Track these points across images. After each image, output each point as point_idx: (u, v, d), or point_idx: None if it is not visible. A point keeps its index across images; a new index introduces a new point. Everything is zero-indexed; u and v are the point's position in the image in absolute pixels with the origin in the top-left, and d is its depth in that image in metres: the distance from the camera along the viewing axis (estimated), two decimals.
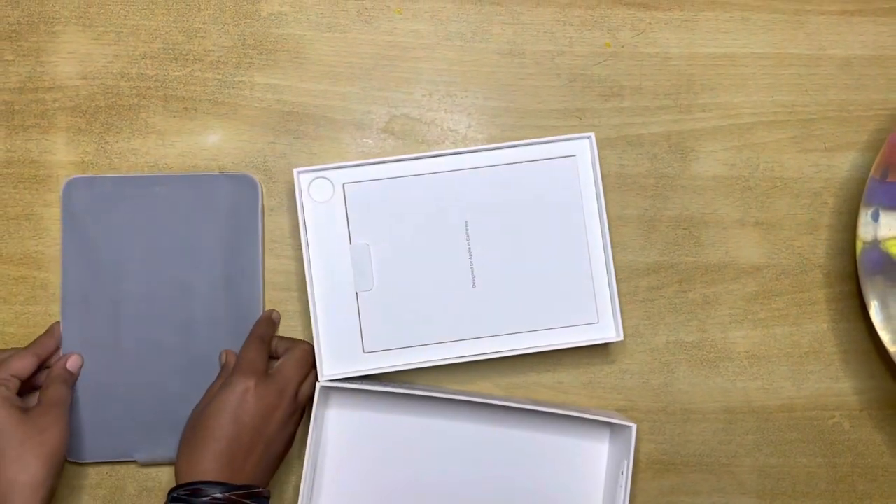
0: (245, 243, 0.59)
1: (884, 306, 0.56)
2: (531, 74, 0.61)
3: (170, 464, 0.58)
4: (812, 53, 0.62)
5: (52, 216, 0.59)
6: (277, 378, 0.53)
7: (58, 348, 0.57)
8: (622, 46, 0.61)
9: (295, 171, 0.55)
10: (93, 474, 0.59)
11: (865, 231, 0.56)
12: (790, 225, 0.61)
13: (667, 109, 0.61)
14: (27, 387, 0.55)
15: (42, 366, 0.56)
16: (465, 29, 0.61)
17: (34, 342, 0.56)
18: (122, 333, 0.57)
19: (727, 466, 0.60)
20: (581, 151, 0.57)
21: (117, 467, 0.59)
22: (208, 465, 0.50)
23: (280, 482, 0.59)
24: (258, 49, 0.60)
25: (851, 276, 0.61)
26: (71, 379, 0.56)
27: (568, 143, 0.57)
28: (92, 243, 0.58)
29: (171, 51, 0.60)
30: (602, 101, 0.61)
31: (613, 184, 0.61)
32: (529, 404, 0.54)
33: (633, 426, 0.53)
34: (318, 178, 0.56)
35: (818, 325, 0.61)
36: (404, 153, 0.60)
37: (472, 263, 0.56)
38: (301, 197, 0.55)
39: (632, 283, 0.60)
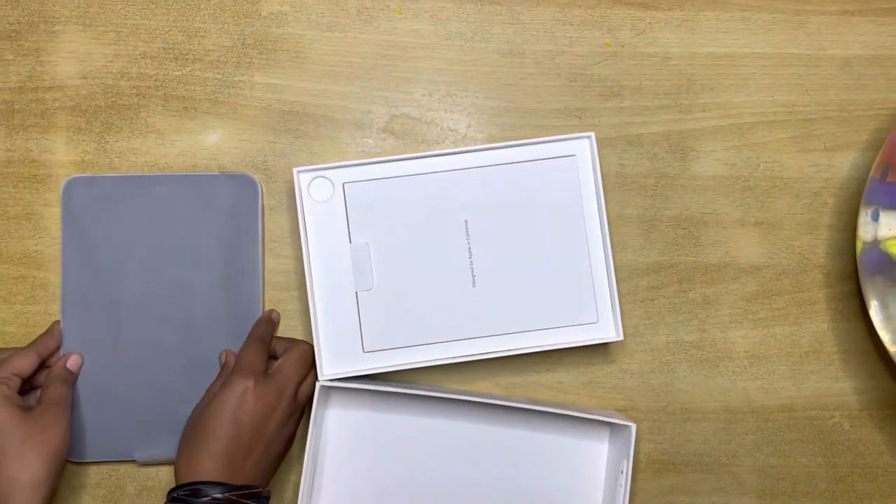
0: (245, 243, 0.59)
1: (884, 306, 0.56)
2: (531, 74, 0.61)
3: (169, 463, 0.58)
4: (812, 53, 0.62)
5: (52, 216, 0.59)
6: (277, 378, 0.53)
7: (58, 347, 0.57)
8: (622, 46, 0.61)
9: (295, 170, 0.55)
10: (93, 474, 0.59)
11: (865, 231, 0.56)
12: (790, 225, 0.61)
13: (667, 109, 0.61)
14: (27, 386, 0.55)
15: (42, 365, 0.56)
16: (465, 28, 0.61)
17: (35, 341, 0.56)
18: (121, 333, 0.57)
19: (727, 466, 0.60)
20: (581, 151, 0.57)
21: (117, 467, 0.59)
22: (208, 465, 0.50)
23: (280, 482, 0.59)
24: (258, 48, 0.60)
25: (851, 275, 0.61)
26: (71, 378, 0.56)
27: (568, 142, 0.56)
28: (92, 243, 0.58)
29: (170, 50, 0.60)
30: (602, 101, 0.61)
31: (613, 183, 0.61)
32: (529, 404, 0.54)
33: (633, 426, 0.53)
34: (317, 177, 0.56)
35: (818, 325, 0.61)
36: (404, 153, 0.60)
37: (471, 263, 0.56)
38: (301, 196, 0.55)
39: (632, 283, 0.60)
